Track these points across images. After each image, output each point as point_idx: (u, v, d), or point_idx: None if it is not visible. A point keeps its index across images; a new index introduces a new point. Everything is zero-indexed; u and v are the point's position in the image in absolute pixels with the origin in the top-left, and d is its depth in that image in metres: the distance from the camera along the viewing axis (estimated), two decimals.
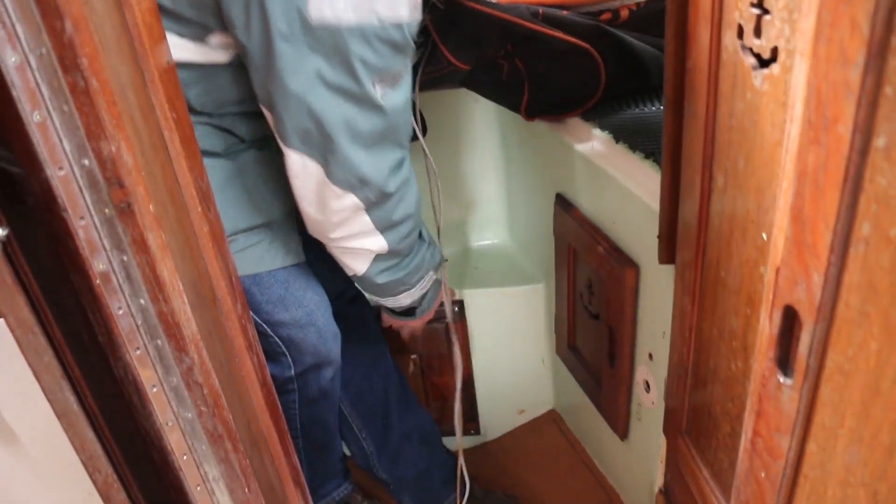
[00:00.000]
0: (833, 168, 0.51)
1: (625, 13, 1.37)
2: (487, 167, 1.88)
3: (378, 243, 1.19)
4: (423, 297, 1.38)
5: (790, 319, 0.62)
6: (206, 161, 1.08)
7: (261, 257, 1.22)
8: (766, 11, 0.63)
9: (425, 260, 1.31)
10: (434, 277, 1.37)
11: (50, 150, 0.65)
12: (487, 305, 1.74)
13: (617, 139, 1.26)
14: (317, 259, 1.35)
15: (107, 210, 0.69)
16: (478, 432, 1.91)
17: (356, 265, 1.23)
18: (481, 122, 1.82)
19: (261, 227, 1.21)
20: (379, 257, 1.22)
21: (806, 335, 0.60)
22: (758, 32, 0.65)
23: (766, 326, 0.66)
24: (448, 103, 1.78)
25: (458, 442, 1.59)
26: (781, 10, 0.60)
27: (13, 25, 0.62)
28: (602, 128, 1.31)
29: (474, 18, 1.25)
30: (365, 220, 1.14)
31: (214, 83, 1.06)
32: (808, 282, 0.57)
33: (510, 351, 1.82)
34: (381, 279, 1.26)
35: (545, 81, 1.32)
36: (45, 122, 0.65)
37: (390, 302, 1.37)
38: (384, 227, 1.17)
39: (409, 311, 1.43)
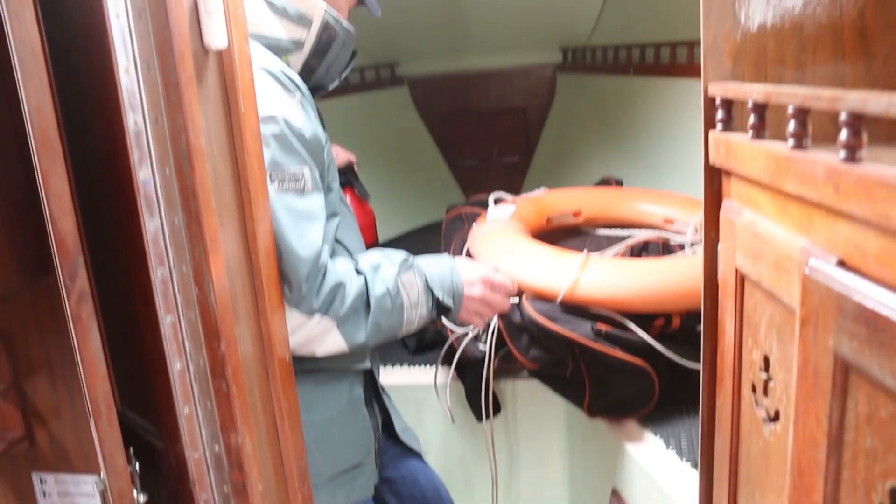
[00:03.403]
0: None
1: (676, 321, 1.50)
2: (553, 453, 1.97)
3: (298, 318, 1.09)
4: (428, 300, 1.23)
5: None
6: (320, 406, 1.21)
7: (348, 494, 1.26)
8: (770, 378, 0.77)
9: (382, 283, 1.17)
10: (412, 285, 1.21)
11: (191, 436, 0.82)
12: None
13: (667, 445, 1.38)
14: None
15: (225, 487, 0.85)
16: None
17: (321, 348, 1.14)
18: (550, 412, 1.94)
19: (356, 466, 1.27)
20: (332, 329, 1.13)
21: None
22: (766, 392, 0.79)
23: None
24: (522, 391, 1.93)
25: None
26: (780, 381, 0.74)
27: (183, 340, 0.82)
28: (655, 433, 1.43)
29: (541, 331, 1.44)
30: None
31: None
32: None
33: None
34: (369, 337, 1.16)
35: (605, 386, 1.46)
36: (192, 414, 0.82)
37: (416, 323, 1.23)
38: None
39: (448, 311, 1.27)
